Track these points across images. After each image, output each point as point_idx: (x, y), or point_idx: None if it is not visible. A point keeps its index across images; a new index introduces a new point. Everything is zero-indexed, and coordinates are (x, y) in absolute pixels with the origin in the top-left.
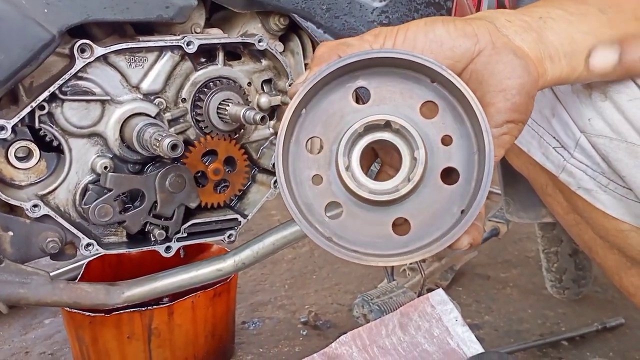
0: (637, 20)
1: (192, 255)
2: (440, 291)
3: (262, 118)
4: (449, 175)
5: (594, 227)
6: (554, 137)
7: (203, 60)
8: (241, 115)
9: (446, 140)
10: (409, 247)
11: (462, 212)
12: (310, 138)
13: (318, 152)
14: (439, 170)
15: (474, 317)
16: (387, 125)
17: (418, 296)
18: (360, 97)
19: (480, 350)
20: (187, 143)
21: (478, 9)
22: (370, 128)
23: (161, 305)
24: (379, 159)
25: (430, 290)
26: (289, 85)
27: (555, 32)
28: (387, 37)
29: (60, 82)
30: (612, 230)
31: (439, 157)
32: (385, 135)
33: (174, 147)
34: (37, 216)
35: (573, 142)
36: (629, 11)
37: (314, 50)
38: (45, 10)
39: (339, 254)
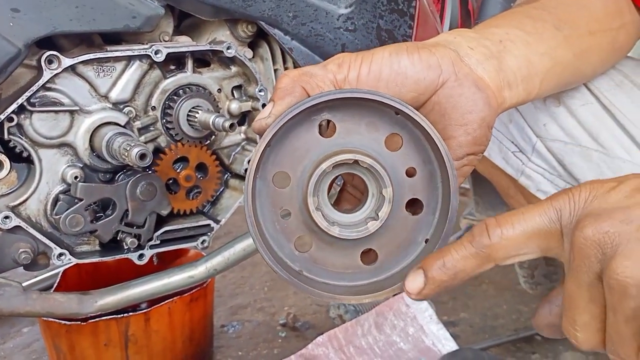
0: (590, 34)
1: (169, 261)
2: None
3: (231, 125)
4: (413, 204)
5: None
6: (512, 142)
7: (172, 67)
8: (210, 123)
9: (410, 172)
10: (378, 276)
11: (427, 241)
12: (277, 172)
13: (285, 187)
14: (404, 201)
15: (450, 314)
16: (355, 163)
17: (393, 295)
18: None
19: (455, 347)
20: (158, 150)
21: (442, 15)
22: (338, 165)
23: (137, 312)
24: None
25: None
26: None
27: (514, 55)
28: (350, 67)
29: (28, 93)
30: None
31: (404, 188)
32: (353, 171)
33: (142, 156)
34: (9, 228)
35: (530, 147)
36: (583, 26)
37: (283, 56)
38: (11, 24)
39: (312, 294)
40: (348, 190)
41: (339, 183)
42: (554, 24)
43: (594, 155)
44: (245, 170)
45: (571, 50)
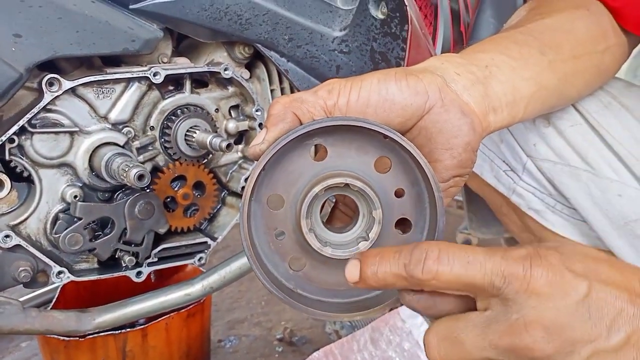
0: (575, 58)
1: (167, 276)
2: None
3: (228, 145)
4: (402, 223)
5: None
6: (504, 161)
7: (171, 88)
8: (208, 143)
9: (399, 193)
10: (370, 293)
11: None
12: (271, 195)
13: (279, 208)
14: (394, 220)
15: None
16: (346, 186)
17: (389, 311)
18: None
19: None
20: (156, 169)
21: (434, 37)
22: (329, 188)
23: (135, 328)
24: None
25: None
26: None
27: (500, 81)
28: (340, 93)
29: (29, 115)
30: None
31: (393, 208)
32: (345, 193)
33: (140, 177)
34: (9, 246)
35: (521, 166)
36: (567, 50)
37: (279, 76)
38: (13, 49)
39: (307, 312)
40: (340, 209)
41: (332, 199)
42: (539, 49)
43: (583, 175)
44: (242, 188)
45: (556, 75)
